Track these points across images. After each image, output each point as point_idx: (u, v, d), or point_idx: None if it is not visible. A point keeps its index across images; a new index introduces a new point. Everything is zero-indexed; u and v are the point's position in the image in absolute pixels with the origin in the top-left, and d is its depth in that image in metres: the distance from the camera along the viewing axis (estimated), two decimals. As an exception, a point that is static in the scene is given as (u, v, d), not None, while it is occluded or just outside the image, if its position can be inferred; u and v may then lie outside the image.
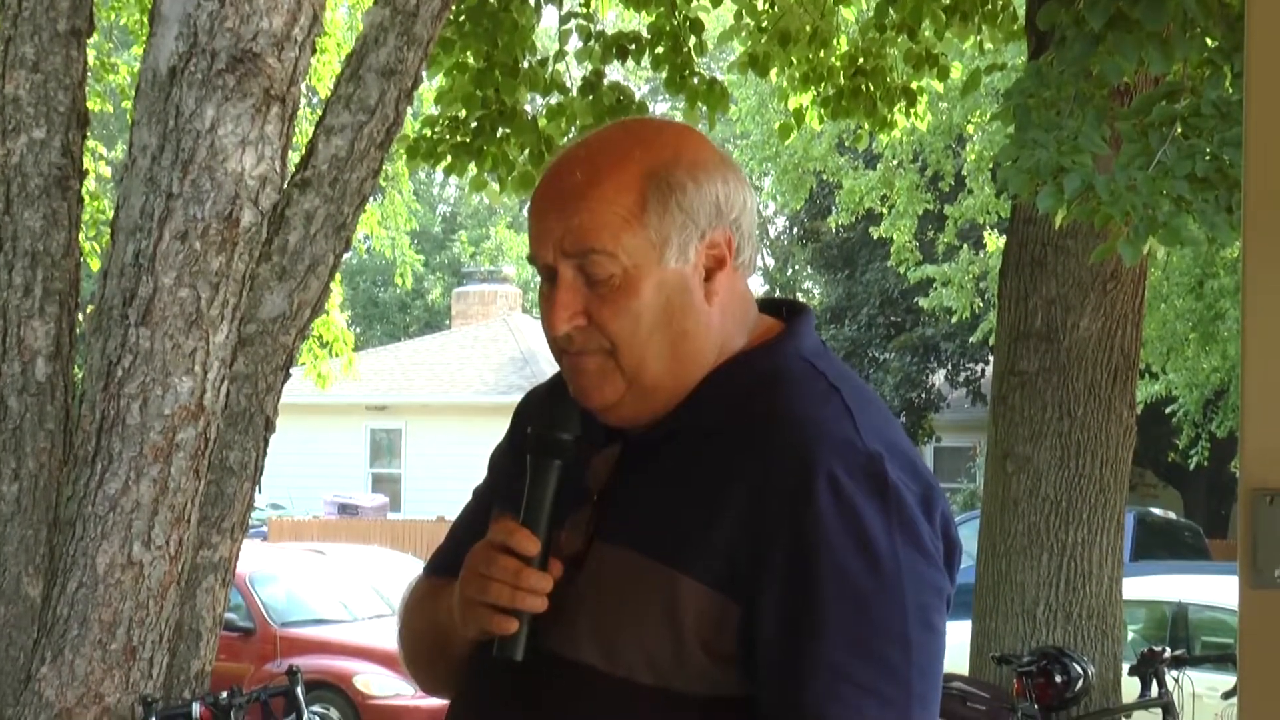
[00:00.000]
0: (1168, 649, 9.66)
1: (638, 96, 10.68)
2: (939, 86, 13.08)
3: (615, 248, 2.00)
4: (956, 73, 13.06)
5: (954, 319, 24.62)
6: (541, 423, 2.08)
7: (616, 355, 2.02)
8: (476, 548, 2.06)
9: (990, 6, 10.41)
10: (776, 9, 10.76)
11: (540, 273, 2.06)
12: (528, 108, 10.28)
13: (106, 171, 15.49)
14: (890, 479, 1.96)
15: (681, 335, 2.03)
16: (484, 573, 2.03)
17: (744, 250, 2.08)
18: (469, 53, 9.82)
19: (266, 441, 5.43)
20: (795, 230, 32.27)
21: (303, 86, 4.79)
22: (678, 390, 2.05)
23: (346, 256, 5.69)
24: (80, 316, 5.03)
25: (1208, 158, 7.10)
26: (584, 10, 10.28)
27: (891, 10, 10.53)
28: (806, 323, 2.13)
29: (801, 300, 2.24)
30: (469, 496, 2.30)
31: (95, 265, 12.46)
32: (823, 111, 11.23)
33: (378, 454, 32.33)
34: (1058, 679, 8.88)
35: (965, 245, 23.63)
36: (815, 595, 1.92)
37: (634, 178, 2.02)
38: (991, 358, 13.83)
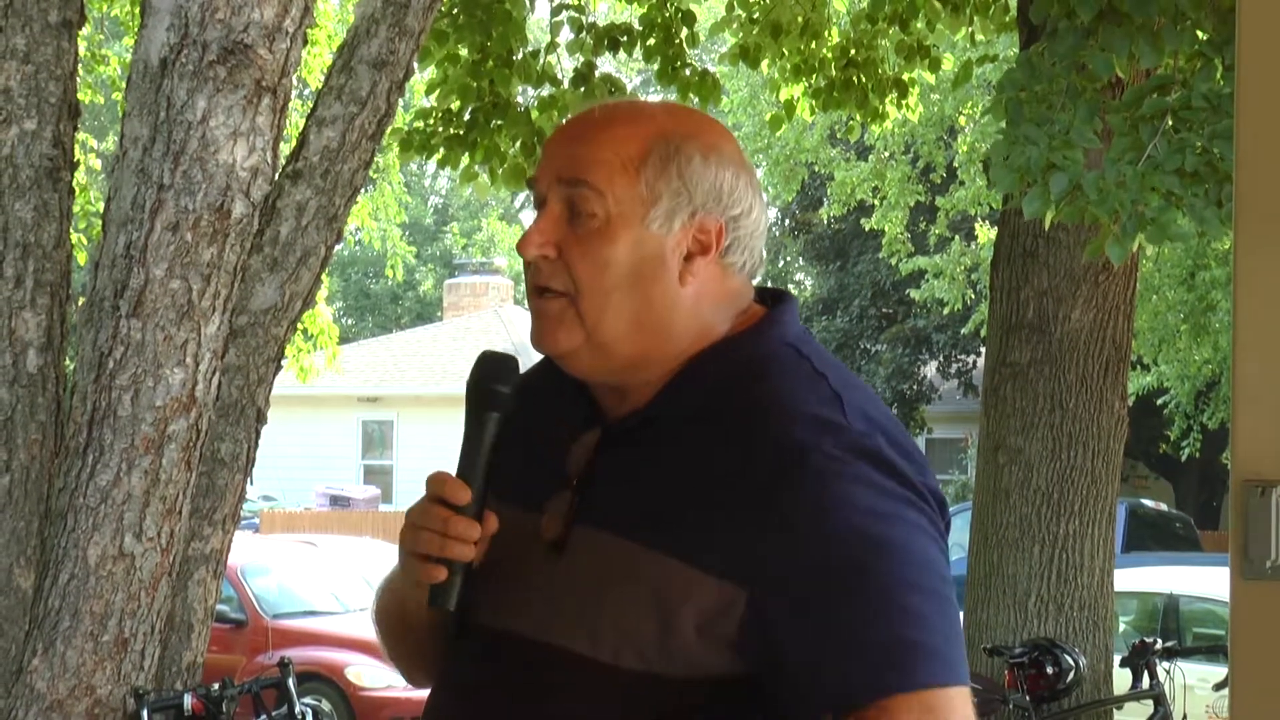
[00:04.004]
0: (1159, 640, 9.69)
1: (629, 88, 10.67)
2: (930, 78, 13.10)
3: (605, 187, 2.03)
4: (948, 64, 13.06)
5: (946, 310, 24.62)
6: (478, 376, 2.11)
7: (578, 301, 2.03)
8: (415, 502, 2.09)
9: (982, -2, 10.41)
10: (768, 0, 10.76)
11: (535, 205, 2.09)
12: (520, 99, 10.27)
13: (97, 164, 15.46)
14: (884, 453, 1.97)
15: (645, 303, 2.03)
16: (416, 523, 2.06)
17: (737, 251, 2.07)
18: (462, 45, 9.81)
19: (258, 433, 5.42)
20: (787, 222, 32.24)
21: (294, 78, 4.78)
22: (643, 360, 2.05)
23: (338, 248, 5.69)
24: (71, 308, 5.02)
25: (1198, 151, 7.11)
26: (575, 2, 10.27)
27: (883, 2, 10.53)
28: (790, 309, 2.12)
29: (784, 289, 2.24)
30: None
31: (83, 258, 12.44)
32: (814, 103, 11.23)
33: (369, 446, 32.33)
34: (1049, 670, 8.90)
35: (957, 237, 23.62)
36: (832, 572, 1.91)
37: (646, 132, 2.05)
38: (983, 349, 13.82)
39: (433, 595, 2.05)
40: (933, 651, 1.90)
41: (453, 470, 2.11)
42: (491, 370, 2.10)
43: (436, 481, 2.05)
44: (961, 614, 9.48)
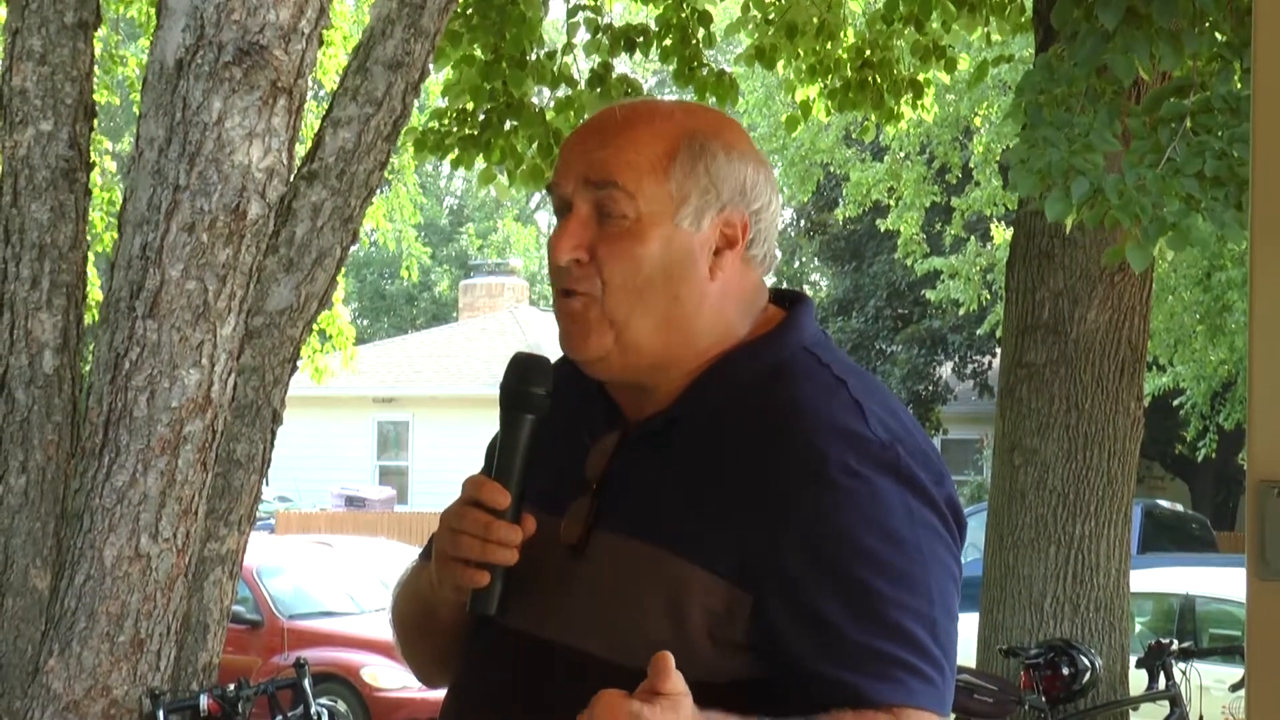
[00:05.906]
0: (1175, 641, 9.67)
1: (645, 89, 10.67)
2: (946, 78, 13.07)
3: (634, 188, 2.03)
4: (964, 65, 13.05)
5: (961, 311, 24.59)
6: (513, 378, 2.10)
7: (606, 300, 2.02)
8: (450, 505, 2.08)
9: (998, -2, 10.40)
10: (784, 1, 10.76)
11: (556, 208, 2.09)
12: (535, 100, 10.28)
13: (112, 165, 15.48)
14: (904, 465, 1.97)
15: (675, 300, 2.04)
16: (455, 527, 2.04)
17: (758, 245, 2.09)
18: (477, 45, 9.82)
19: (274, 434, 5.43)
20: (802, 222, 32.21)
21: (309, 79, 4.79)
22: (666, 359, 2.06)
23: (353, 249, 5.69)
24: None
25: (1218, 155, 7.08)
26: (591, 3, 10.27)
27: (899, 2, 10.53)
28: (807, 312, 2.13)
29: (800, 290, 2.24)
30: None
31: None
32: (830, 104, 11.23)
33: (385, 446, 32.35)
34: (1065, 671, 8.88)
35: (972, 237, 23.59)
36: (842, 584, 1.93)
37: (670, 132, 2.06)
38: (999, 350, 13.80)
39: (474, 600, 2.05)
40: (926, 679, 1.94)
41: (474, 472, 2.11)
42: (525, 372, 2.09)
43: (474, 485, 2.05)
44: (976, 615, 9.51)
